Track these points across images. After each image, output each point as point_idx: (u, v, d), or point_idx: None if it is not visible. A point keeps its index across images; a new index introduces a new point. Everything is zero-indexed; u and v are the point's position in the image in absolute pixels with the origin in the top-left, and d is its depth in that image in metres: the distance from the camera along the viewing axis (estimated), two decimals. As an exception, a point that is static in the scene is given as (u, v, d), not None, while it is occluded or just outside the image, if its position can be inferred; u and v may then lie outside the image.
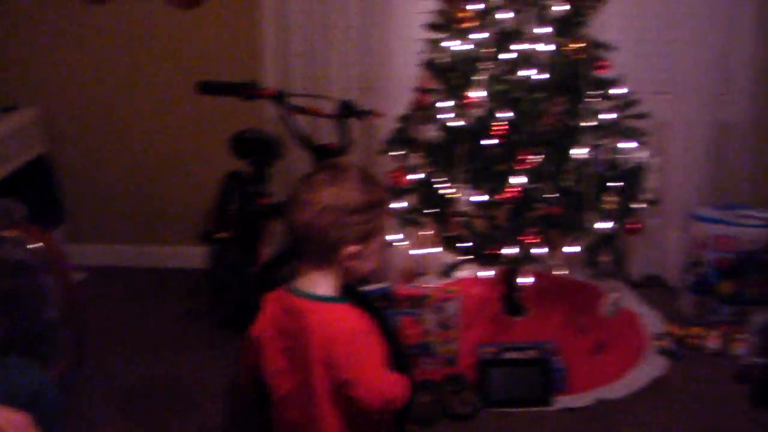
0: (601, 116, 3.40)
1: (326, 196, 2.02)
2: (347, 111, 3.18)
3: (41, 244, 3.28)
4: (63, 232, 4.63)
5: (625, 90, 3.52)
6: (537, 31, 3.36)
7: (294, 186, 2.11)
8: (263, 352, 2.17)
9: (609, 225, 3.36)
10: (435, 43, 3.53)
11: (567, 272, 3.52)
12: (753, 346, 3.50)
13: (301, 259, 2.12)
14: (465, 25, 3.41)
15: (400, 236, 3.78)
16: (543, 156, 3.29)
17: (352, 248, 2.07)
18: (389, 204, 2.18)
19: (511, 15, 3.40)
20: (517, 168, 3.25)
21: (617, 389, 3.49)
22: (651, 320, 3.96)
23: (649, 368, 3.62)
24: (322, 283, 2.11)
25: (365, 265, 2.14)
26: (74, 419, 3.38)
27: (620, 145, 3.45)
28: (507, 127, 3.28)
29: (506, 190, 3.24)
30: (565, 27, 3.39)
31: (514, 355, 3.47)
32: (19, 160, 4.29)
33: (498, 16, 3.39)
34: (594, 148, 3.33)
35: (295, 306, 2.10)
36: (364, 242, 2.08)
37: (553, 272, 3.49)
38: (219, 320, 4.09)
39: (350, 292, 2.27)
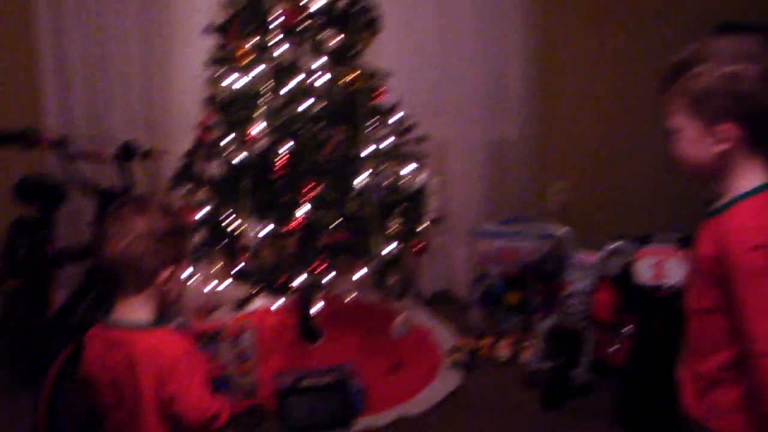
0: (380, 143, 3.51)
1: (137, 225, 2.09)
2: (128, 152, 3.16)
3: None
4: None
5: (402, 115, 3.64)
6: (313, 63, 3.44)
7: (103, 222, 2.14)
8: (94, 389, 2.18)
9: (395, 247, 3.46)
10: (215, 79, 3.56)
11: (358, 296, 3.60)
12: (539, 352, 3.67)
13: (117, 291, 2.15)
14: (243, 60, 3.45)
15: (192, 272, 3.79)
16: (326, 185, 3.36)
17: (166, 272, 2.13)
18: (190, 229, 2.20)
19: (287, 48, 3.47)
20: (302, 198, 3.31)
21: (416, 405, 3.58)
22: (444, 335, 4.10)
23: (445, 382, 3.74)
24: (140, 311, 2.15)
25: (177, 287, 2.21)
26: None
27: (401, 169, 3.57)
28: (289, 158, 3.33)
29: (292, 220, 3.28)
30: (341, 58, 3.49)
31: (313, 381, 3.51)
32: None
33: (275, 50, 3.44)
34: (375, 173, 3.43)
35: (117, 338, 2.13)
36: (175, 265, 2.15)
37: (345, 297, 3.57)
38: (19, 368, 3.97)
39: None
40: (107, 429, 2.20)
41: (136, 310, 2.15)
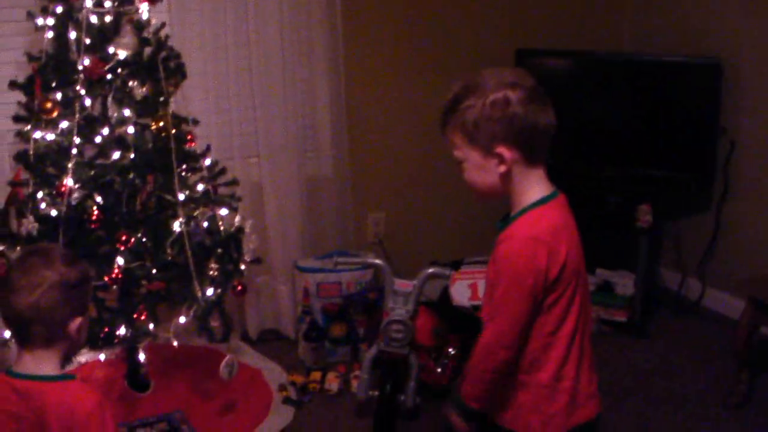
0: (194, 188, 3.54)
1: (48, 276, 2.10)
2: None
3: None
4: None
5: (213, 160, 3.69)
6: (121, 113, 3.45)
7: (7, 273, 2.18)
8: None
9: (215, 291, 3.49)
10: (23, 134, 3.52)
11: (183, 342, 3.61)
12: (365, 381, 3.75)
13: (24, 343, 2.14)
14: (51, 114, 3.42)
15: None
16: (141, 233, 3.37)
17: (75, 323, 2.15)
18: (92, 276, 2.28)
19: (94, 100, 3.47)
20: (119, 248, 3.31)
21: (247, 445, 3.60)
22: (273, 373, 4.15)
23: (278, 419, 3.80)
24: (48, 363, 2.15)
25: (83, 336, 2.25)
26: None
27: (216, 212, 3.61)
28: (103, 210, 3.33)
29: (111, 271, 3.28)
30: (149, 107, 3.50)
31: (144, 431, 3.50)
32: None
33: (82, 102, 3.43)
34: (190, 219, 3.46)
35: (23, 388, 2.11)
36: (83, 314, 2.19)
37: (170, 344, 3.58)
38: None
39: None
40: None
41: (44, 362, 2.14)
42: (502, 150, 2.07)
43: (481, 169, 2.12)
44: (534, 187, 2.13)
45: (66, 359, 2.25)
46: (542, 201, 2.13)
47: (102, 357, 3.70)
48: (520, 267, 2.06)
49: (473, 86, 2.09)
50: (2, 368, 2.23)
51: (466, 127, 2.09)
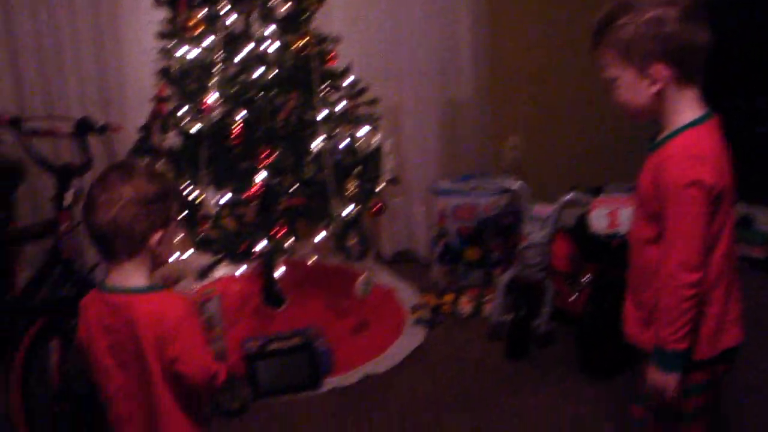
0: (334, 106, 3.54)
1: (126, 191, 2.11)
2: (84, 128, 3.16)
3: None
4: None
5: (354, 78, 3.68)
6: (264, 30, 3.46)
7: (88, 189, 2.15)
8: (89, 354, 2.20)
9: (353, 209, 3.50)
10: (167, 51, 3.57)
11: (320, 259, 3.64)
12: (500, 305, 3.74)
13: (109, 259, 2.17)
14: (194, 31, 3.45)
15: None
16: (282, 150, 3.39)
17: (156, 236, 2.16)
18: (176, 191, 2.23)
19: (237, 17, 3.48)
20: (259, 165, 3.34)
21: (382, 363, 3.64)
22: (406, 294, 4.17)
23: (409, 339, 3.81)
24: (135, 276, 2.18)
25: (168, 250, 2.24)
26: None
27: (356, 131, 3.61)
28: (244, 126, 3.35)
29: (251, 187, 3.31)
30: (291, 24, 3.50)
31: (278, 345, 3.55)
32: None
33: (225, 20, 3.45)
34: (330, 137, 3.46)
35: (116, 302, 2.16)
36: (165, 228, 2.18)
37: (306, 261, 3.61)
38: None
39: None
40: (108, 394, 2.22)
41: (131, 275, 2.17)
42: (658, 68, 2.00)
43: (633, 89, 2.05)
44: (689, 106, 2.06)
45: (153, 271, 2.25)
46: (699, 121, 2.05)
47: (239, 272, 3.76)
48: (689, 185, 1.98)
49: (628, 3, 2.02)
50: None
51: (620, 46, 2.02)
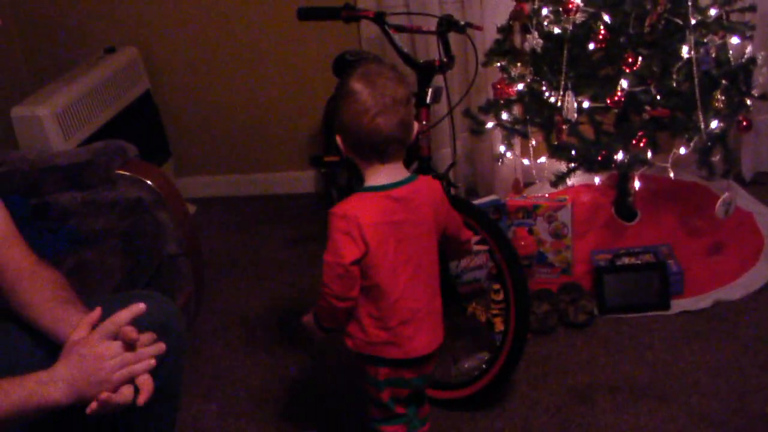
0: (705, 13, 3.31)
1: (404, 92, 2.25)
2: (447, 26, 3.14)
3: (154, 181, 3.34)
4: (170, 166, 4.71)
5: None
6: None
7: (355, 98, 2.23)
8: (378, 254, 2.28)
9: (719, 123, 3.28)
10: (532, -50, 3.47)
11: (677, 174, 3.46)
12: None
13: (388, 159, 2.29)
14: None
15: (507, 148, 3.79)
16: (647, 57, 3.22)
17: (416, 126, 2.34)
18: None
19: None
20: (623, 70, 3.19)
21: (735, 290, 3.44)
22: (766, 218, 3.88)
23: (767, 268, 3.56)
24: (402, 168, 2.35)
25: (427, 142, 2.60)
26: (197, 350, 3.49)
27: (727, 40, 3.36)
28: (609, 30, 3.21)
29: (612, 94, 3.18)
30: None
31: (629, 260, 3.44)
32: (126, 99, 4.35)
33: None
34: (700, 45, 3.24)
35: (404, 195, 2.31)
36: (418, 120, 2.39)
37: (663, 174, 3.44)
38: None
39: (463, 205, 2.81)
40: (396, 295, 2.33)
41: (400, 169, 2.34)
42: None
43: None
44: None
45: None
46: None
47: (596, 181, 3.65)
48: None
49: None
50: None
51: None
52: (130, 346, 1.85)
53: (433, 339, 2.41)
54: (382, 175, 2.30)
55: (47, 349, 2.03)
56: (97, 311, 1.92)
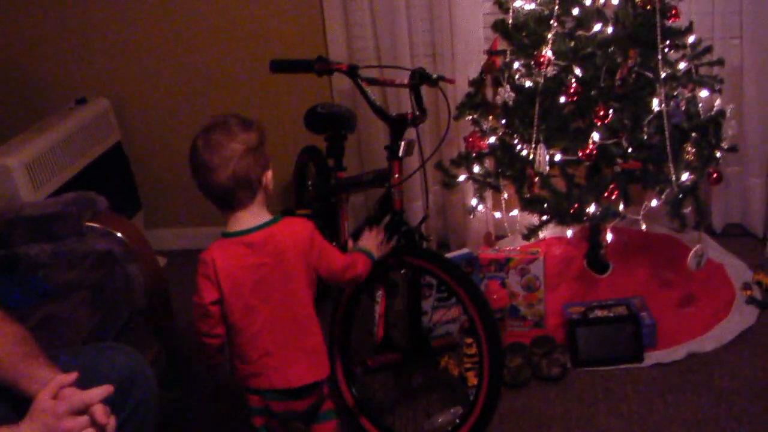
0: (674, 66, 3.34)
1: (234, 147, 2.40)
2: (420, 79, 3.15)
3: (124, 233, 3.32)
4: (140, 218, 4.68)
5: (696, 38, 3.47)
6: (605, -17, 3.30)
7: (194, 155, 2.44)
8: (232, 295, 2.47)
9: (689, 176, 3.30)
10: (503, 4, 3.50)
11: (648, 226, 3.48)
12: None
13: (233, 208, 2.47)
14: (531, -16, 3.36)
15: (479, 201, 3.79)
16: (618, 110, 3.23)
17: (268, 174, 2.50)
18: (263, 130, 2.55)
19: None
20: (594, 123, 3.20)
21: (708, 342, 3.44)
22: (737, 270, 3.89)
23: (739, 319, 3.56)
24: (261, 213, 2.50)
25: (271, 185, 2.54)
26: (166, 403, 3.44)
27: (696, 93, 3.40)
28: (580, 83, 3.23)
29: (583, 147, 3.19)
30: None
31: (601, 313, 3.43)
32: (97, 150, 4.33)
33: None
34: (670, 98, 3.27)
35: (257, 239, 2.47)
36: (269, 167, 2.50)
37: (634, 227, 3.45)
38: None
39: (435, 259, 2.85)
40: (252, 331, 2.50)
41: (259, 214, 2.49)
42: None
43: None
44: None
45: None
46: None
47: (568, 233, 3.66)
48: None
49: None
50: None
51: None
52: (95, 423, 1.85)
53: (304, 374, 2.55)
54: (238, 221, 2.48)
55: (10, 402, 2.01)
56: (72, 376, 1.91)
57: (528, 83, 3.35)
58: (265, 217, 2.50)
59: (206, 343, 2.53)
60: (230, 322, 2.49)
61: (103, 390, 1.88)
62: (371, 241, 2.85)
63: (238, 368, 2.56)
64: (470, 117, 3.64)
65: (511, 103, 3.41)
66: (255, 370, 2.52)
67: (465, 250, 3.56)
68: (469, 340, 3.21)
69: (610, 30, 3.27)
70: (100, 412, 1.86)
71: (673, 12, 3.36)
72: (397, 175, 3.00)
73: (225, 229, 2.50)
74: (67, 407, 1.83)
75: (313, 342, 2.56)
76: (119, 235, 3.30)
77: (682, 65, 3.40)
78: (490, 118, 3.54)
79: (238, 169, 2.39)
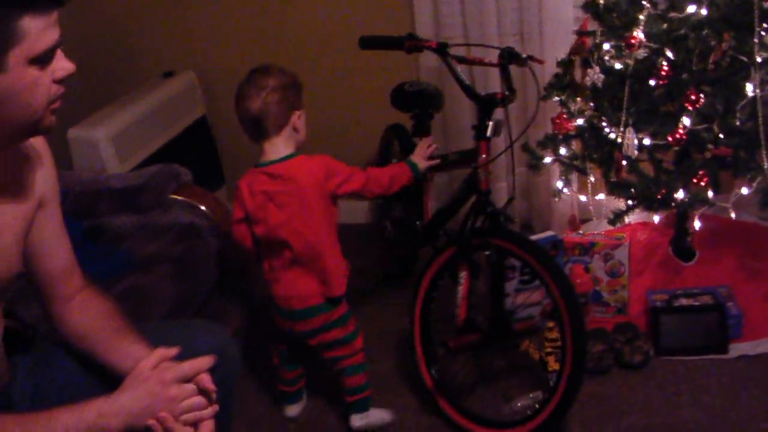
0: (772, 50, 3.25)
1: (268, 81, 2.80)
2: (509, 58, 3.11)
3: (208, 206, 3.34)
4: (223, 193, 4.71)
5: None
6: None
7: (238, 87, 2.84)
8: (256, 214, 2.86)
9: (784, 164, 3.21)
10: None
11: (738, 215, 3.40)
12: None
13: (262, 137, 2.85)
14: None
15: (564, 183, 3.74)
16: (711, 95, 3.15)
17: (296, 114, 2.85)
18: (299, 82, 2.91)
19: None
20: (685, 108, 3.13)
21: (797, 336, 3.35)
22: (828, 262, 3.78)
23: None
24: (284, 147, 2.85)
25: (304, 129, 2.91)
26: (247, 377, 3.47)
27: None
28: (672, 66, 3.16)
29: (673, 132, 3.12)
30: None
31: (686, 301, 3.37)
32: (182, 123, 4.37)
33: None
34: (765, 84, 3.17)
35: (276, 170, 2.83)
36: (299, 110, 2.86)
37: (724, 215, 3.38)
38: (383, 274, 4.11)
39: (520, 240, 2.90)
40: (269, 227, 2.87)
41: (281, 147, 2.85)
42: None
43: None
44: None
45: (298, 149, 2.91)
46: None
47: (655, 219, 3.59)
48: None
49: None
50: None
51: None
52: (202, 391, 1.86)
53: (315, 288, 2.92)
54: (265, 154, 2.87)
55: (97, 374, 2.03)
56: (174, 350, 1.92)
57: (618, 65, 3.28)
58: (287, 152, 2.85)
59: (243, 249, 2.99)
60: (257, 237, 2.91)
61: (209, 359, 1.90)
62: (419, 153, 3.24)
63: (264, 271, 2.99)
64: (558, 98, 3.58)
65: (600, 84, 3.34)
66: (273, 277, 2.96)
67: (550, 233, 3.51)
68: (551, 324, 3.18)
69: (704, 12, 3.17)
70: (207, 379, 1.87)
71: (773, -7, 3.27)
72: (484, 156, 2.97)
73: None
74: (174, 375, 1.84)
75: (330, 263, 2.90)
76: (203, 208, 3.34)
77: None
78: (578, 99, 3.48)
79: (269, 100, 2.78)
